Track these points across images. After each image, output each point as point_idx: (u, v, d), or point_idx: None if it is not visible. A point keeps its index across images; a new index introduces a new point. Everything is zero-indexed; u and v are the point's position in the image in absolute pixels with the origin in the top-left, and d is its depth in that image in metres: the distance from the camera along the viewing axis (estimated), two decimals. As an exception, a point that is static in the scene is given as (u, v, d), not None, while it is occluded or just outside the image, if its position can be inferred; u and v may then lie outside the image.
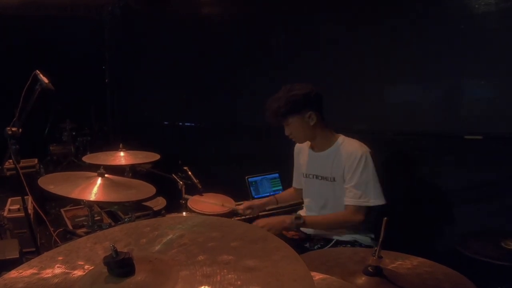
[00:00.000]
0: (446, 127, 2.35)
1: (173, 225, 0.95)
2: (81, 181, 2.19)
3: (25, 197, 2.52)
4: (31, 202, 2.99)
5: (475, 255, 1.65)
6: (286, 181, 2.75)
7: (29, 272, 0.85)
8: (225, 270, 0.74)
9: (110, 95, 6.65)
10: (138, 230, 0.96)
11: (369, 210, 2.03)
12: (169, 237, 0.89)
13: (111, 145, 4.00)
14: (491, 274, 1.66)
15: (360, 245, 2.11)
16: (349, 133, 2.21)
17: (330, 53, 2.89)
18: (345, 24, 2.76)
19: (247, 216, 2.48)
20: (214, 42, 4.09)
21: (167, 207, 2.97)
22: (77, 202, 3.49)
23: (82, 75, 5.71)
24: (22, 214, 2.95)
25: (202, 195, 2.68)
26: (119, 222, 2.93)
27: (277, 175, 2.99)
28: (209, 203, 2.59)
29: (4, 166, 3.37)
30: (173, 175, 2.76)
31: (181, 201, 2.64)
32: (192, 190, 2.71)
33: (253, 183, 2.91)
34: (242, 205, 2.47)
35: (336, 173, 2.10)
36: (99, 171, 2.25)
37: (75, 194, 2.08)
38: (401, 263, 1.24)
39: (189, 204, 2.59)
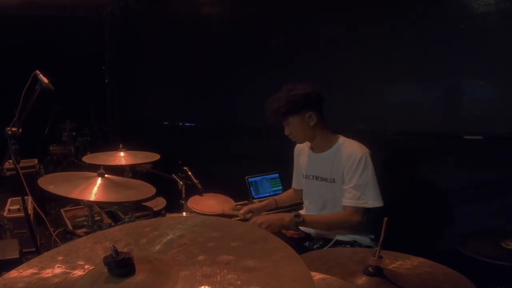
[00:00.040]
0: (446, 127, 2.35)
1: (173, 225, 0.95)
2: (81, 181, 2.19)
3: (25, 197, 2.52)
4: (31, 202, 2.99)
5: (475, 255, 1.65)
6: (286, 181, 2.75)
7: (29, 272, 0.85)
8: (225, 270, 0.74)
9: (110, 95, 6.66)
10: (138, 230, 0.96)
11: (367, 211, 2.03)
12: (169, 237, 0.89)
13: (111, 145, 4.00)
14: (491, 274, 1.66)
15: (360, 245, 2.11)
16: (349, 133, 2.21)
17: (330, 53, 2.89)
18: (345, 24, 2.76)
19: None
20: (214, 42, 4.09)
21: (167, 207, 2.97)
22: (77, 202, 3.49)
23: (82, 75, 5.72)
24: (22, 214, 2.96)
25: (202, 195, 2.68)
26: (119, 222, 2.93)
27: (277, 175, 2.99)
28: (209, 205, 2.58)
29: (4, 166, 3.36)
30: (173, 175, 2.76)
31: (181, 201, 2.64)
32: (192, 190, 2.71)
33: (253, 183, 2.91)
34: (242, 210, 2.45)
35: (336, 174, 2.10)
36: (99, 171, 2.25)
37: (75, 194, 2.08)
38: (401, 263, 1.24)
39: (189, 204, 2.59)
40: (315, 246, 2.16)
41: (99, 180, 2.21)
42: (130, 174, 3.19)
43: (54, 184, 2.15)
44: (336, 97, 2.68)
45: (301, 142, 2.28)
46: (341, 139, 2.14)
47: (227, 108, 4.09)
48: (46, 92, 2.30)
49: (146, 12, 5.29)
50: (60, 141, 5.98)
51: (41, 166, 4.74)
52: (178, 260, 0.79)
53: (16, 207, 3.20)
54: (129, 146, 3.22)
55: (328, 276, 1.08)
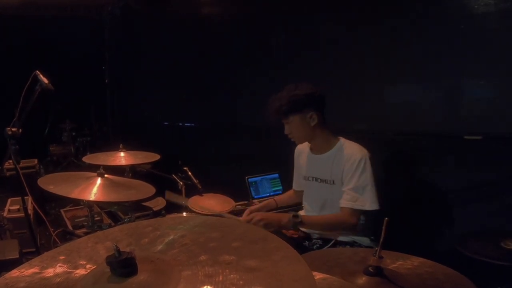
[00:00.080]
0: (446, 127, 2.35)
1: (174, 225, 0.95)
2: (81, 181, 2.20)
3: (25, 197, 2.52)
4: (31, 203, 2.99)
5: (475, 255, 1.65)
6: (286, 182, 2.75)
7: (30, 271, 0.85)
8: (227, 270, 0.74)
9: (110, 95, 6.65)
10: (139, 230, 0.96)
11: (365, 213, 2.04)
12: (171, 237, 0.89)
13: (111, 145, 4.00)
14: (491, 274, 1.66)
15: (359, 245, 2.11)
16: (349, 133, 2.21)
17: (330, 53, 2.89)
18: (345, 24, 2.76)
19: None
20: (214, 42, 4.09)
21: (166, 207, 2.97)
22: (77, 202, 3.50)
23: (82, 75, 5.71)
24: (22, 214, 2.95)
25: (202, 195, 2.68)
26: (119, 223, 2.93)
27: (277, 175, 2.99)
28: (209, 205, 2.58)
29: (4, 167, 3.36)
30: (173, 175, 2.76)
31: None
32: (192, 190, 2.71)
33: (253, 183, 2.91)
34: (244, 214, 2.44)
35: (336, 176, 2.10)
36: (98, 171, 2.25)
37: (75, 194, 2.08)
38: (401, 263, 1.25)
39: (189, 204, 2.59)
40: (314, 247, 2.16)
41: (98, 180, 2.21)
42: (130, 174, 3.20)
43: (54, 184, 2.15)
44: (336, 97, 2.67)
45: (300, 142, 2.28)
46: (341, 140, 2.14)
47: (227, 108, 4.09)
48: (46, 92, 2.30)
49: (146, 12, 5.28)
50: (60, 141, 5.97)
51: (41, 166, 4.73)
52: (180, 260, 0.79)
53: (16, 207, 3.20)
54: (129, 146, 3.22)
55: (329, 276, 1.08)
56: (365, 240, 2.13)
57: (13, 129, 2.24)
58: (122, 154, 3.08)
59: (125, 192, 2.24)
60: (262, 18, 3.54)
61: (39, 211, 2.75)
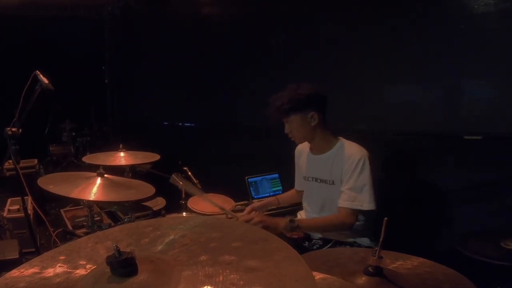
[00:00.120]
0: (446, 127, 2.35)
1: (174, 225, 0.95)
2: (80, 181, 2.20)
3: (25, 197, 2.52)
4: (31, 203, 2.99)
5: (475, 255, 1.65)
6: (286, 182, 2.75)
7: (30, 271, 0.85)
8: (227, 270, 0.74)
9: (110, 95, 6.65)
10: (139, 230, 0.96)
11: (363, 213, 2.03)
12: (171, 237, 0.89)
13: (111, 146, 4.00)
14: (491, 274, 1.66)
15: (359, 246, 2.11)
16: (349, 133, 2.21)
17: (330, 53, 2.89)
18: (345, 24, 2.76)
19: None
20: (214, 42, 4.09)
21: (166, 207, 2.97)
22: (76, 202, 3.49)
23: (82, 75, 5.71)
24: (21, 214, 2.95)
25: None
26: (119, 223, 2.93)
27: (276, 175, 2.99)
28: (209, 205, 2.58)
29: (4, 167, 3.36)
30: (172, 175, 2.76)
31: (180, 201, 2.64)
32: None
33: (253, 183, 2.91)
34: (245, 211, 2.44)
35: (335, 176, 2.10)
36: (98, 171, 2.25)
37: (74, 194, 2.08)
38: (401, 263, 1.25)
39: (189, 204, 2.59)
40: (314, 247, 2.16)
41: (98, 180, 2.21)
42: (130, 174, 3.20)
43: (54, 184, 2.15)
44: (336, 97, 2.67)
45: (300, 142, 2.28)
46: (341, 141, 2.14)
47: (227, 108, 4.08)
48: (46, 92, 2.30)
49: (146, 12, 5.28)
50: (60, 141, 5.97)
51: (41, 166, 4.73)
52: (180, 260, 0.79)
53: (15, 207, 3.20)
54: (129, 146, 3.22)
55: (329, 276, 1.08)
56: (365, 240, 2.13)
57: (13, 129, 2.24)
58: (122, 154, 3.08)
59: (125, 192, 2.24)
60: (262, 18, 3.54)
61: (39, 211, 2.75)
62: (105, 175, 2.26)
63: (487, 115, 2.18)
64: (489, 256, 1.63)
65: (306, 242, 2.20)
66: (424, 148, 2.45)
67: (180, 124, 4.95)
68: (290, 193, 2.59)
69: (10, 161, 2.39)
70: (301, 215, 2.40)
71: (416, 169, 2.49)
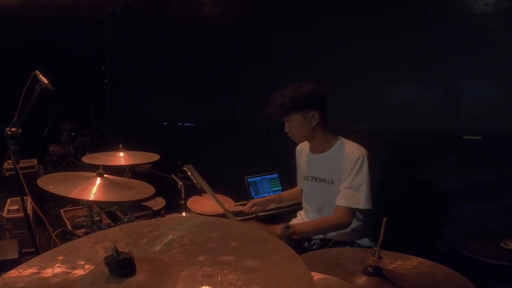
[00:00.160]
0: (446, 127, 2.35)
1: (173, 225, 0.95)
2: (80, 181, 2.20)
3: (25, 197, 2.51)
4: (31, 203, 2.98)
5: (475, 255, 1.65)
6: (286, 182, 2.75)
7: (29, 271, 0.85)
8: (225, 271, 0.73)
9: (110, 95, 6.65)
10: (138, 230, 0.96)
11: (365, 214, 2.03)
12: (170, 237, 0.89)
13: (111, 146, 4.00)
14: (491, 274, 1.66)
15: (359, 246, 2.11)
16: (349, 133, 2.21)
17: (330, 53, 2.89)
18: (345, 24, 2.76)
19: (252, 216, 2.48)
20: (214, 42, 4.09)
21: (166, 207, 2.97)
22: (76, 202, 3.49)
23: (82, 75, 5.71)
24: (21, 214, 2.95)
25: (202, 195, 2.68)
26: (119, 223, 2.93)
27: (276, 175, 2.99)
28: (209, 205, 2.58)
29: (4, 167, 3.36)
30: (172, 175, 2.76)
31: (180, 201, 2.64)
32: (192, 190, 2.71)
33: (253, 183, 2.91)
34: (247, 206, 2.46)
35: (335, 175, 2.10)
36: (98, 171, 2.25)
37: (74, 194, 2.08)
38: (401, 263, 1.24)
39: (189, 204, 2.59)
40: (314, 247, 2.15)
41: (98, 180, 2.21)
42: (130, 174, 3.19)
43: (54, 184, 2.15)
44: (336, 97, 2.67)
45: (300, 141, 2.28)
46: (340, 140, 2.14)
47: (227, 108, 4.08)
48: (46, 92, 2.29)
49: (146, 12, 5.28)
50: (59, 141, 5.96)
51: (41, 166, 4.73)
52: (178, 260, 0.79)
53: (15, 207, 3.20)
54: (129, 146, 3.22)
55: (328, 276, 1.08)
56: (365, 241, 2.12)
57: (13, 129, 2.24)
58: (121, 154, 3.07)
59: (124, 192, 2.24)
60: (262, 18, 3.54)
61: (38, 211, 2.74)
62: (105, 175, 2.26)
63: (487, 115, 2.18)
64: (489, 256, 1.63)
65: (306, 242, 2.20)
66: (424, 148, 2.45)
67: (180, 124, 4.95)
68: (293, 191, 2.59)
69: (10, 161, 2.39)
70: (301, 215, 2.40)
71: (416, 169, 2.49)
